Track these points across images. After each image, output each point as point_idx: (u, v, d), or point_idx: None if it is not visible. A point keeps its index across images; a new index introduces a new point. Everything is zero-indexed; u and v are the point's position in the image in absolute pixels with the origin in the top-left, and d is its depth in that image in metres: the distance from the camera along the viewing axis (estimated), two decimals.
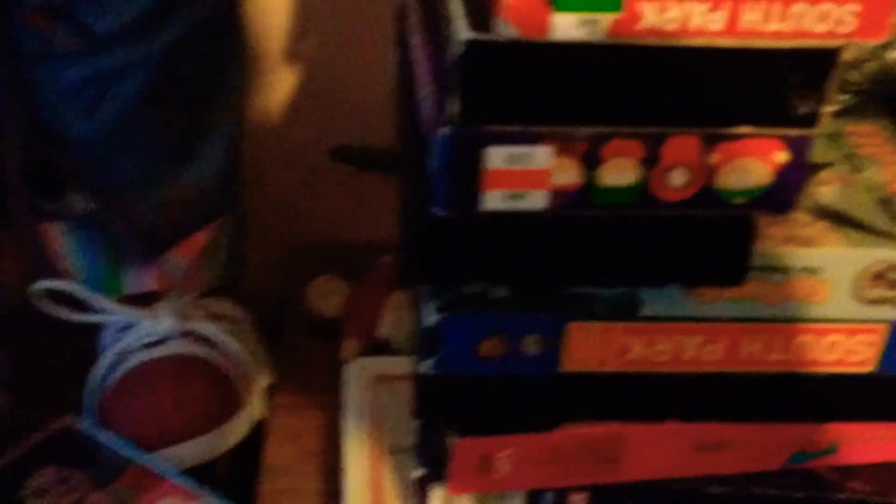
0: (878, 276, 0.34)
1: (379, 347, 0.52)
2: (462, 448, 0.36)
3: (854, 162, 0.38)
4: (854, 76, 0.40)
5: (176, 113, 0.49)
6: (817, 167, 0.37)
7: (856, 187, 0.37)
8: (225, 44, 0.51)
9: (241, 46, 0.52)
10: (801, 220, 0.35)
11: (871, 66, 0.40)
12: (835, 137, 0.39)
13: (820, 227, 0.35)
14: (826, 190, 0.37)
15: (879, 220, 0.35)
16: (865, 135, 0.40)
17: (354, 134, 0.59)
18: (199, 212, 0.52)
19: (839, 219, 0.35)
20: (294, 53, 0.58)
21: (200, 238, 0.53)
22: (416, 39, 0.37)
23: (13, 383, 0.52)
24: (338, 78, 0.59)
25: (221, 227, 0.53)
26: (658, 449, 0.38)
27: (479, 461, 0.37)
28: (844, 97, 0.40)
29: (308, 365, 0.53)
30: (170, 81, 0.48)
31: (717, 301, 0.34)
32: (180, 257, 0.53)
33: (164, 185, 0.50)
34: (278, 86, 0.59)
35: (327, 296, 0.55)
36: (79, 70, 0.47)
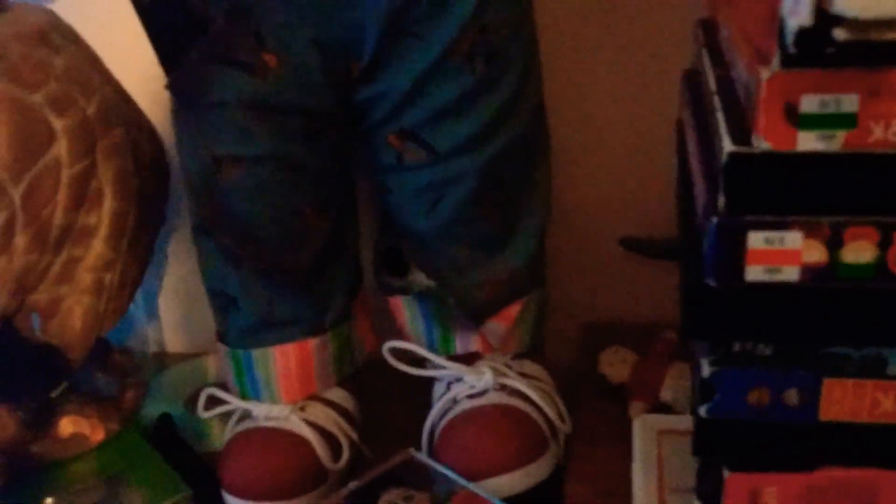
0: None
1: (661, 409, 0.58)
2: (733, 482, 0.41)
3: None
4: None
5: (496, 210, 0.57)
6: None
7: None
8: (536, 150, 0.58)
9: (548, 151, 0.60)
10: None
11: None
12: None
13: None
14: None
15: None
16: None
17: (640, 226, 0.66)
18: (511, 289, 0.58)
19: None
20: (591, 159, 0.67)
21: (513, 310, 0.59)
22: (692, 149, 0.45)
23: (363, 423, 0.61)
24: (628, 178, 0.67)
25: (529, 301, 0.59)
26: None
27: (749, 495, 0.41)
28: None
29: (599, 421, 0.59)
30: (492, 185, 0.55)
31: None
32: (497, 325, 0.59)
33: (484, 268, 0.58)
34: (580, 183, 0.67)
35: (616, 364, 0.61)
36: (422, 178, 0.55)
